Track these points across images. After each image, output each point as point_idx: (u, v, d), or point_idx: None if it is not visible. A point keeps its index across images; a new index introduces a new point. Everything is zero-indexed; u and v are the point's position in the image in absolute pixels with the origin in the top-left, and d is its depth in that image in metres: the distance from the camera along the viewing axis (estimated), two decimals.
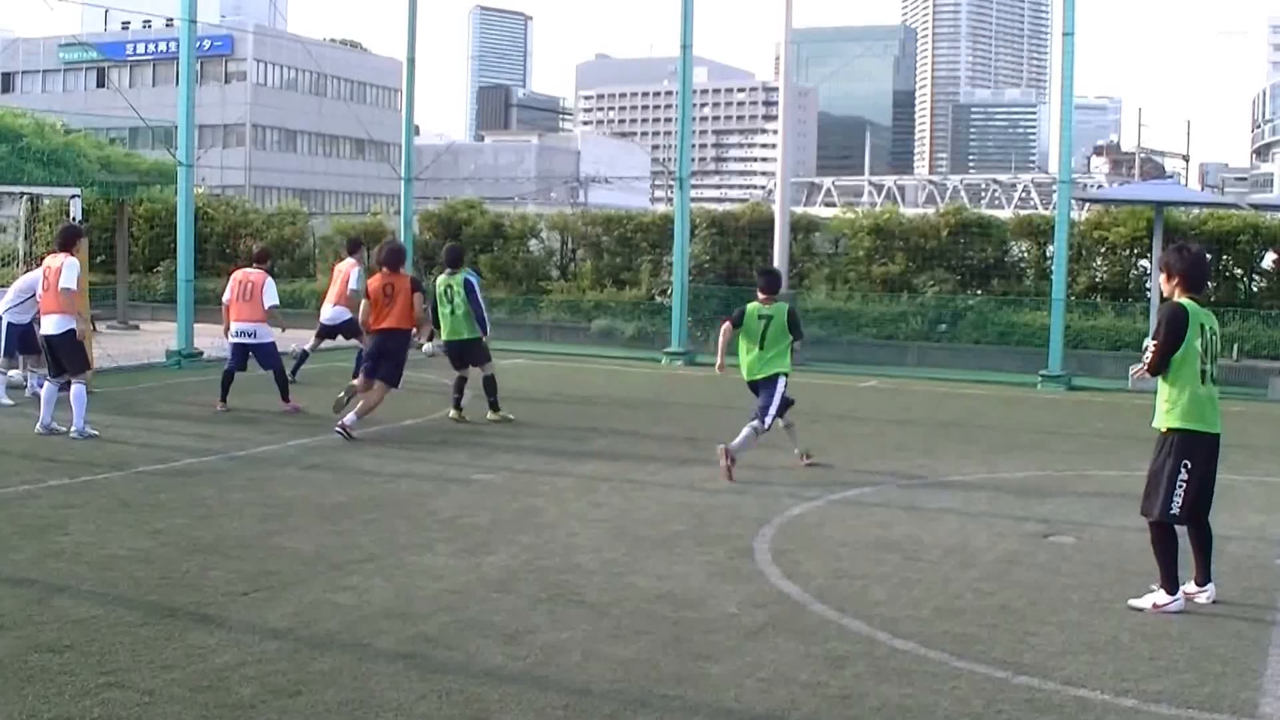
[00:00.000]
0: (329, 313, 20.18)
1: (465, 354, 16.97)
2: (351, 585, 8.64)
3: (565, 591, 8.61)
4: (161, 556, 9.29)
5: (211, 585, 8.55)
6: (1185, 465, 8.38)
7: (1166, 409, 8.51)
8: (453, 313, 16.81)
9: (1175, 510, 8.41)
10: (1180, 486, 8.38)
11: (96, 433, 14.42)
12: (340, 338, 20.46)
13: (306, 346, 20.55)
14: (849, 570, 9.36)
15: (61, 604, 8.05)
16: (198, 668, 6.91)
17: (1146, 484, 8.61)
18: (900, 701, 6.65)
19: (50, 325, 14.57)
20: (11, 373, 17.90)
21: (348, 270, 20.25)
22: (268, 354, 17.45)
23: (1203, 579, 8.72)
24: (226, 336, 17.55)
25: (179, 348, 22.98)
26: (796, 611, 8.30)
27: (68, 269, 14.42)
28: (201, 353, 23.16)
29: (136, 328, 30.38)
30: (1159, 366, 8.43)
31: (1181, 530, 8.61)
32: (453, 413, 16.96)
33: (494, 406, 16.92)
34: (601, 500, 11.85)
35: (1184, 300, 8.48)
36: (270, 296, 17.27)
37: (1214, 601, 8.61)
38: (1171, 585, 8.48)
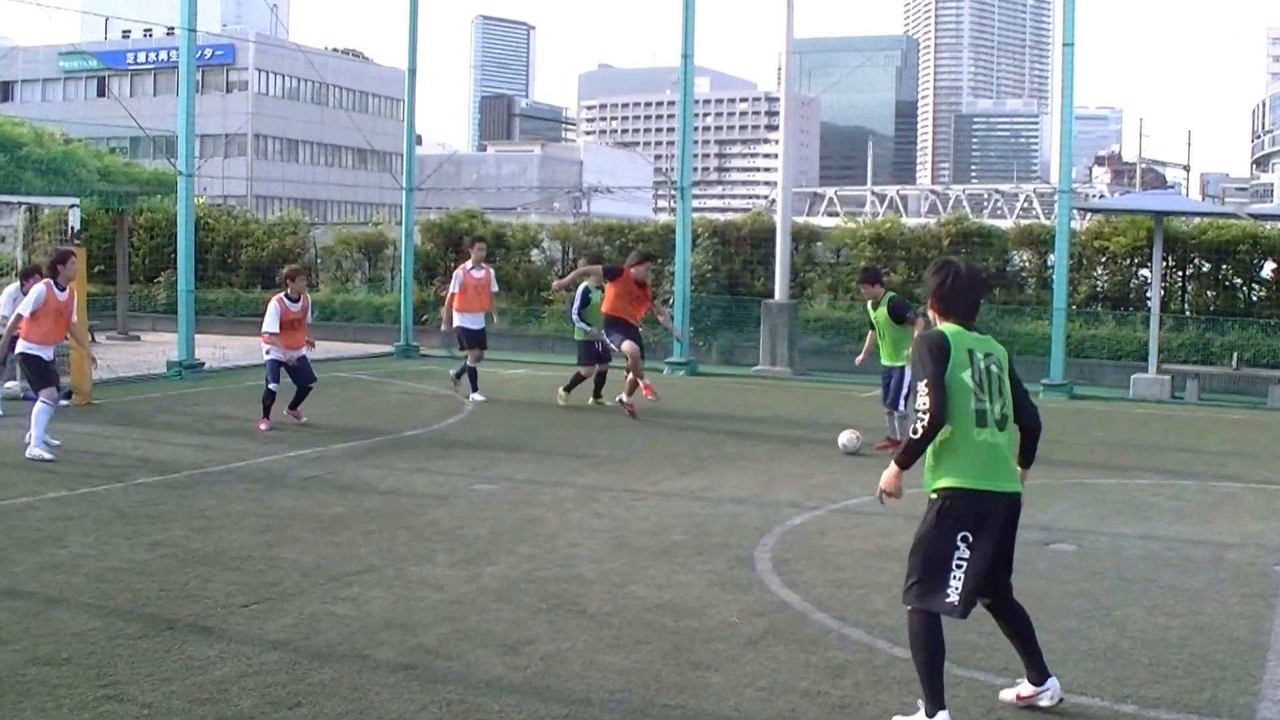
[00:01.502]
0: (474, 320, 20.25)
1: (607, 350, 19.24)
2: (351, 596, 8.63)
3: (565, 602, 8.61)
4: (160, 568, 9.28)
5: (211, 597, 8.55)
6: (963, 538, 6.40)
7: (932, 463, 6.66)
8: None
9: (952, 598, 6.33)
10: (956, 568, 6.35)
11: (50, 457, 13.65)
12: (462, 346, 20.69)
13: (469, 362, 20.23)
14: (849, 579, 9.35)
15: (59, 616, 8.05)
16: (197, 680, 6.90)
17: (908, 560, 6.62)
18: (900, 710, 6.64)
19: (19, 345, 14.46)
20: (9, 384, 17.90)
21: (487, 276, 20.58)
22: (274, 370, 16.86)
23: (1038, 674, 6.77)
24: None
25: (179, 358, 22.95)
26: (797, 620, 8.29)
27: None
28: (203, 364, 23.16)
29: (137, 338, 30.39)
30: (939, 416, 6.40)
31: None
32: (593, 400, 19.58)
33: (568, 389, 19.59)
34: (602, 510, 11.84)
35: (946, 327, 6.68)
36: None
37: (1060, 699, 6.76)
38: (934, 700, 6.33)
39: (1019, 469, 6.73)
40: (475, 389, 19.92)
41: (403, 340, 28.41)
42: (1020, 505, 6.60)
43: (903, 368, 15.77)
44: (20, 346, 14.24)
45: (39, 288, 14.34)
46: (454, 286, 20.24)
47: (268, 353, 16.73)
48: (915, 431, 6.48)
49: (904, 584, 6.52)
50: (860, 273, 18.43)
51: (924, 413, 6.41)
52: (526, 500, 12.18)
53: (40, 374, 14.16)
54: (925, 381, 6.43)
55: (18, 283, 17.87)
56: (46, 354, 14.28)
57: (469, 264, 20.42)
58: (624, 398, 18.35)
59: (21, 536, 10.12)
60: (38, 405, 13.85)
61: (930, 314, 6.85)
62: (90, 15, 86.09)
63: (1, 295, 18.67)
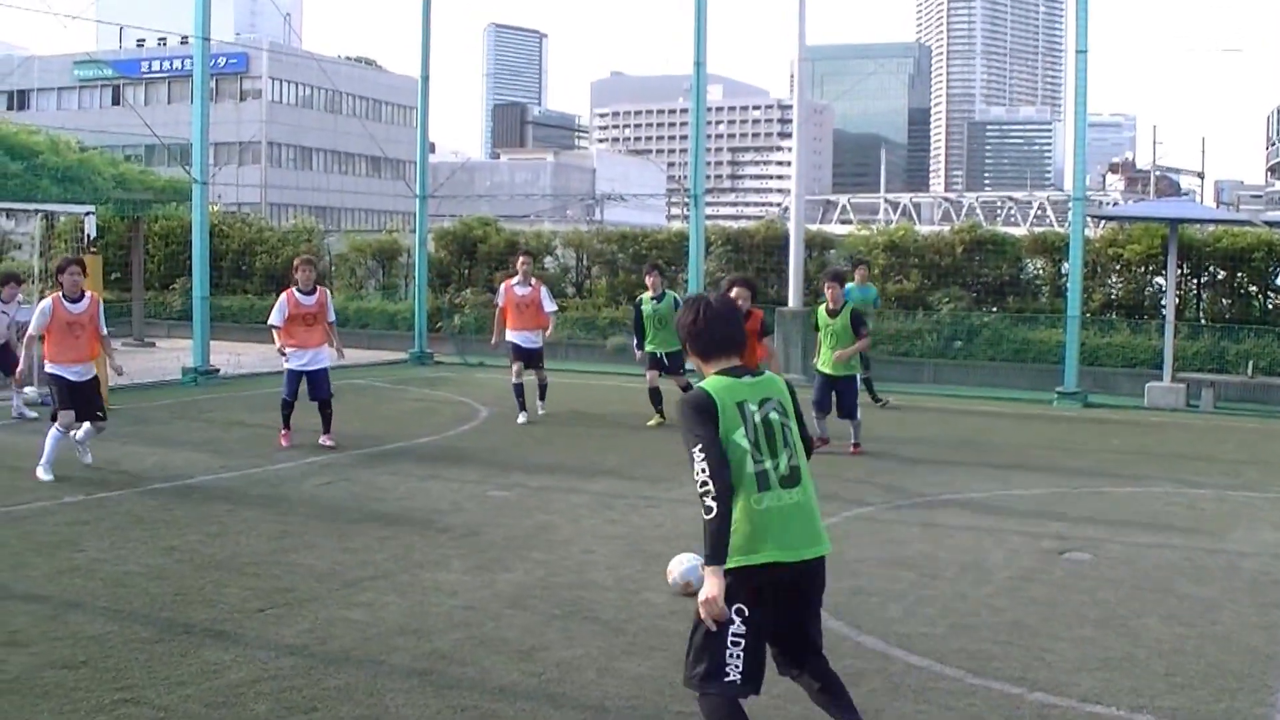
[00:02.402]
0: (525, 338, 18.97)
1: (674, 363, 18.58)
2: (366, 602, 8.65)
3: (579, 608, 8.61)
4: (176, 573, 9.31)
5: (226, 602, 8.57)
6: (738, 611, 5.49)
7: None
8: (663, 326, 18.28)
9: (732, 677, 5.53)
10: (733, 644, 5.52)
11: (49, 479, 12.90)
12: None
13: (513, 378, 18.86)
14: (864, 587, 9.34)
15: (76, 620, 8.08)
16: (212, 684, 6.92)
17: (688, 640, 5.73)
18: (915, 718, 6.64)
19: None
20: (27, 390, 17.93)
21: (535, 292, 19.07)
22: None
23: None
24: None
25: (194, 365, 23.03)
26: None
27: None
28: (218, 370, 23.22)
29: (152, 345, 30.45)
30: (726, 484, 5.44)
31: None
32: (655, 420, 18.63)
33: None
34: (616, 517, 11.84)
35: (710, 382, 5.68)
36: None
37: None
38: None
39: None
40: (522, 408, 18.56)
41: (416, 347, 28.44)
42: (823, 569, 5.71)
43: (853, 376, 16.71)
44: (46, 365, 13.75)
45: (45, 302, 13.83)
46: (499, 301, 19.19)
47: (286, 361, 15.87)
48: (709, 512, 5.37)
49: (684, 667, 5.70)
50: (829, 273, 18.07)
51: (707, 487, 5.39)
52: (540, 507, 12.19)
53: (58, 395, 13.56)
54: (699, 448, 5.47)
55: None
56: (68, 374, 13.51)
57: (515, 279, 19.10)
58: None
59: (39, 541, 10.14)
60: (51, 428, 13.39)
61: (694, 362, 5.91)
62: (104, 24, 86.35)
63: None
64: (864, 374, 19.04)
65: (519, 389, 18.66)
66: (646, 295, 18.84)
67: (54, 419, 13.48)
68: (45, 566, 9.37)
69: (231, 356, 25.04)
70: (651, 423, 18.51)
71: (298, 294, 15.76)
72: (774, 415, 5.70)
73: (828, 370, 16.49)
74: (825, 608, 8.62)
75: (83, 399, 13.61)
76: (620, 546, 10.55)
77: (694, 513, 11.75)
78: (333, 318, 16.21)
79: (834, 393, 16.41)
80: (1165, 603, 9.09)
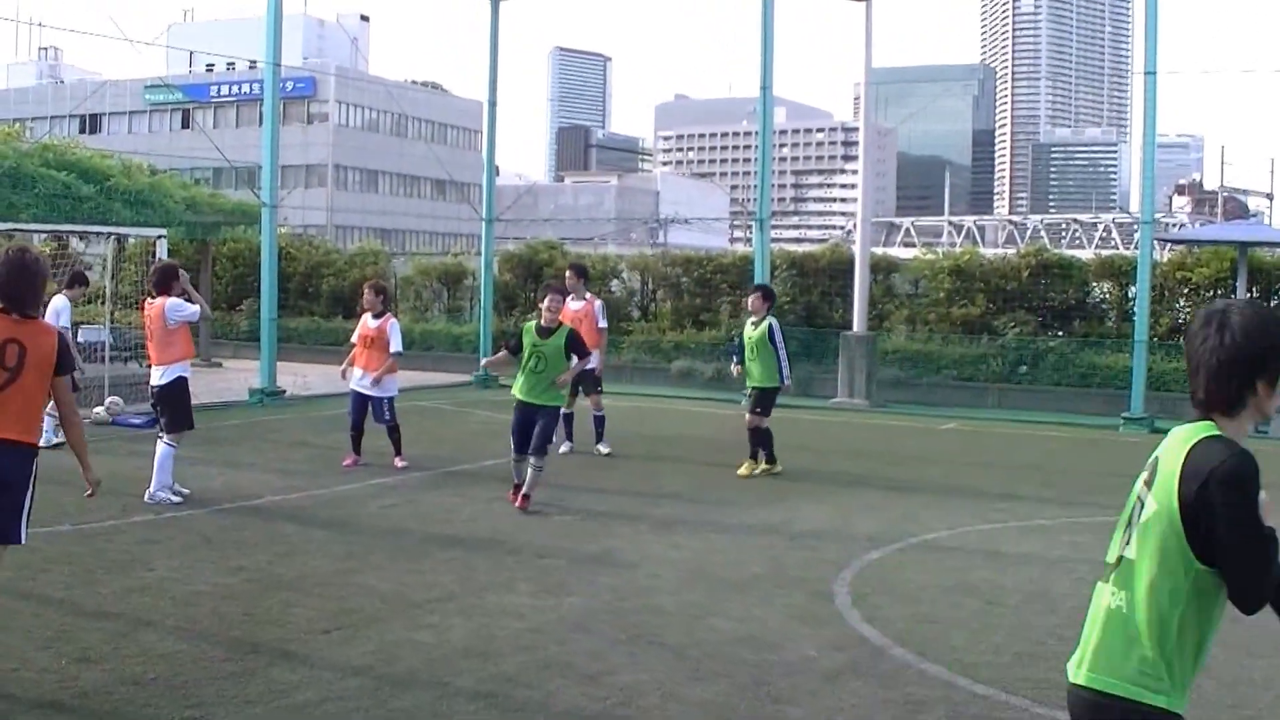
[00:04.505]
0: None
1: (763, 401, 16.24)
2: (431, 624, 8.70)
3: (644, 633, 8.63)
4: (244, 593, 9.40)
5: (293, 622, 8.64)
6: None
7: None
8: (757, 357, 16.18)
9: None
10: None
11: (177, 499, 13.01)
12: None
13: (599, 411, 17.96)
14: (928, 615, 9.31)
15: (146, 638, 8.16)
16: (280, 704, 6.98)
17: None
18: None
19: (155, 375, 13.49)
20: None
21: (588, 308, 17.85)
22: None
23: None
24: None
25: (261, 386, 23.23)
26: (876, 655, 8.27)
27: (169, 310, 13.30)
28: (284, 391, 23.41)
29: (219, 365, 30.74)
30: None
31: None
32: (762, 467, 16.21)
33: (770, 459, 16.27)
34: (680, 542, 11.85)
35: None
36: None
37: None
38: None
39: None
40: (569, 436, 17.76)
41: (481, 370, 28.54)
42: None
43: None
44: (175, 372, 13.35)
45: (174, 300, 13.36)
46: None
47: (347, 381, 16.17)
48: None
49: None
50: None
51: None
52: (605, 531, 12.21)
53: (182, 410, 13.47)
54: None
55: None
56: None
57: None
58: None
59: (110, 559, 10.26)
60: (161, 447, 13.23)
61: None
62: (175, 49, 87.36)
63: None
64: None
65: (568, 418, 17.21)
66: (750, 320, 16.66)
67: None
68: (116, 584, 9.48)
69: (298, 378, 25.23)
70: (743, 470, 16.18)
71: (367, 316, 16.06)
72: None
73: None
74: (888, 634, 8.65)
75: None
76: (685, 571, 10.55)
77: (761, 540, 11.77)
78: (394, 348, 15.92)
79: None
80: (1233, 632, 8.94)
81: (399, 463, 15.87)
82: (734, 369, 17.18)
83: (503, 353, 14.07)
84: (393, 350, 15.90)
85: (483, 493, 14.31)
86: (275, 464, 16.20)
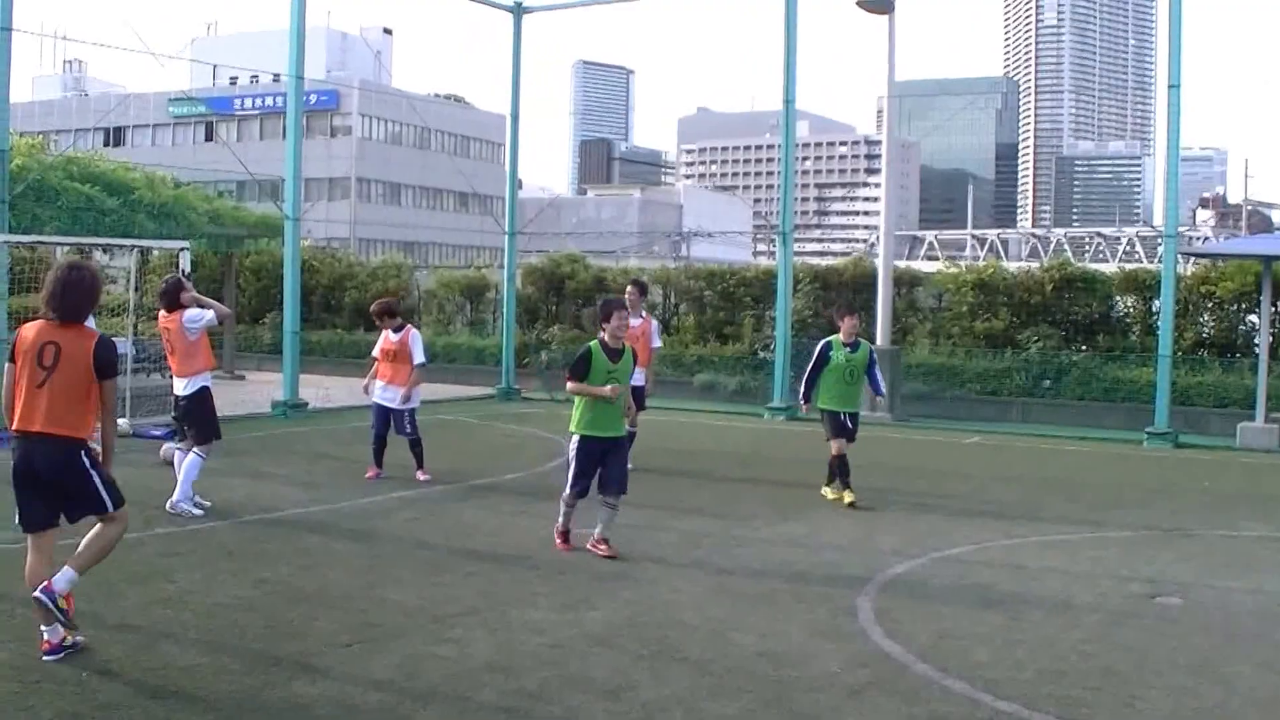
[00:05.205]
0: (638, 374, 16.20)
1: (855, 428, 15.40)
2: (453, 638, 8.68)
3: (666, 648, 8.60)
4: (265, 605, 9.40)
5: (315, 635, 8.64)
6: None
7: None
8: (851, 382, 15.24)
9: None
10: None
11: (199, 511, 13.07)
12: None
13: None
14: (951, 630, 9.26)
15: (168, 650, 8.17)
16: (301, 717, 6.97)
17: None
18: None
19: (179, 386, 13.64)
20: (121, 421, 18.14)
21: (646, 325, 17.62)
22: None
23: None
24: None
25: (284, 398, 23.29)
26: (898, 671, 8.22)
27: (187, 322, 13.42)
28: (306, 404, 23.46)
29: (243, 378, 30.84)
30: None
31: None
32: (847, 496, 15.02)
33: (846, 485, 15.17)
34: (703, 556, 11.81)
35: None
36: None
37: None
38: None
39: None
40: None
41: (504, 383, 28.58)
42: None
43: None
44: (197, 383, 13.54)
45: (194, 311, 13.51)
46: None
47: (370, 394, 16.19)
48: None
49: None
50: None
51: None
52: (627, 545, 12.17)
53: (208, 421, 13.64)
54: None
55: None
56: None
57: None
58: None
59: (131, 571, 10.27)
60: (189, 457, 13.33)
61: None
62: (199, 63, 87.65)
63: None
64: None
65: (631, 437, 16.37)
66: (837, 339, 15.23)
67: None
68: (137, 597, 9.49)
69: (320, 390, 25.28)
70: (832, 495, 15.30)
71: (388, 330, 16.09)
72: None
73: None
74: (911, 650, 8.60)
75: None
76: (707, 586, 10.52)
77: (784, 554, 11.74)
78: (417, 360, 15.91)
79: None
80: (1260, 650, 8.94)
81: (421, 476, 15.91)
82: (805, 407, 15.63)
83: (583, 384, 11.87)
84: (416, 362, 15.90)
85: (506, 506, 14.31)
86: (298, 476, 16.23)
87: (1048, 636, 9.15)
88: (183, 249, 21.09)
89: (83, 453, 8.01)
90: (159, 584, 9.94)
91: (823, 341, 15.35)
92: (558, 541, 11.92)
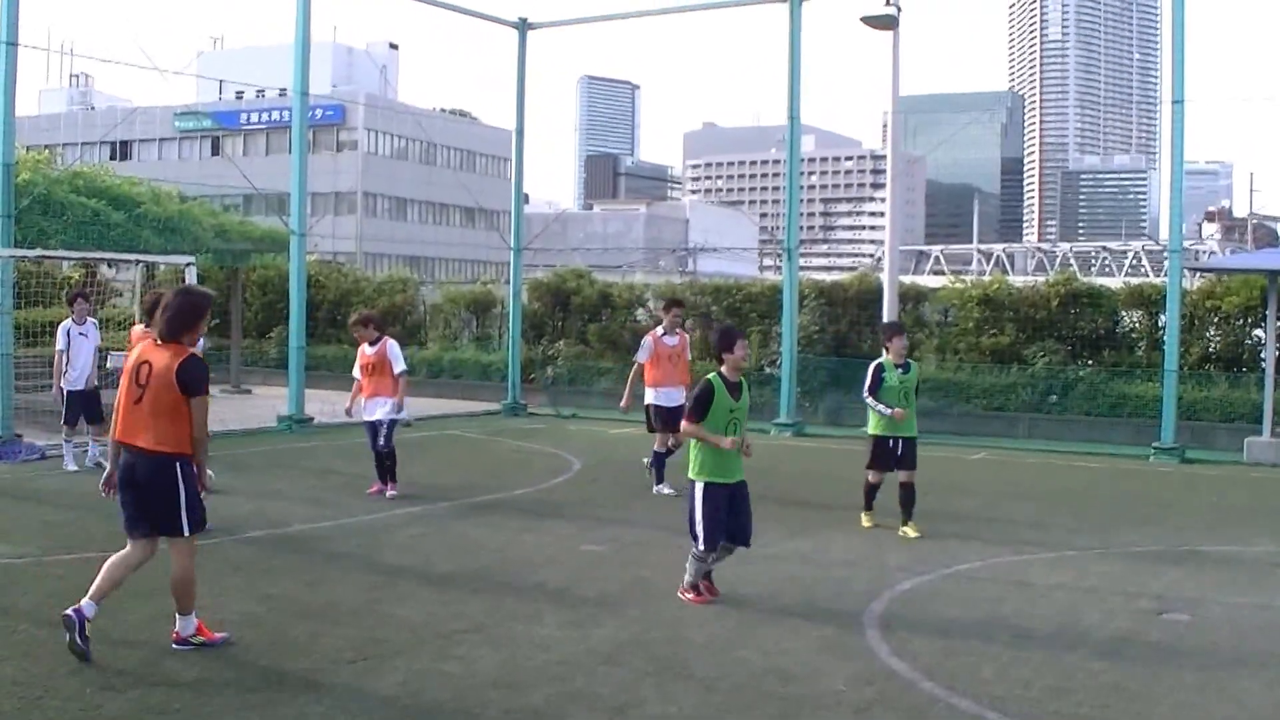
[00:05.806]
0: (669, 396, 16.87)
1: (910, 454, 14.48)
2: (459, 655, 8.66)
3: (673, 665, 8.57)
4: (271, 621, 9.39)
5: (320, 651, 8.62)
6: None
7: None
8: (905, 405, 14.30)
9: None
10: None
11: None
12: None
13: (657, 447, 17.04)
14: (958, 647, 9.23)
15: (172, 666, 8.16)
16: None
17: None
18: None
19: None
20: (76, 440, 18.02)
21: (682, 343, 17.50)
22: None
23: None
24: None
25: (290, 413, 23.30)
26: (905, 688, 8.20)
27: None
28: (312, 418, 23.47)
29: (249, 392, 30.86)
30: None
31: None
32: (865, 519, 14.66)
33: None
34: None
35: None
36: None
37: None
38: None
39: None
40: (661, 479, 16.67)
41: (510, 398, 28.57)
42: None
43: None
44: None
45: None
46: (642, 355, 17.16)
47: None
48: None
49: None
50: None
51: None
52: (635, 561, 12.16)
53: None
54: None
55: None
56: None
57: (660, 329, 17.44)
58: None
59: (135, 587, 10.21)
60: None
61: None
62: (205, 78, 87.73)
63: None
64: None
65: (661, 460, 16.77)
66: (888, 361, 14.28)
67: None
68: (142, 612, 9.47)
69: (326, 405, 25.27)
70: (867, 522, 14.65)
71: (364, 345, 16.26)
72: None
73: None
74: (917, 667, 8.58)
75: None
76: (714, 603, 10.49)
77: (791, 571, 11.72)
78: (398, 368, 15.97)
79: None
80: (1269, 666, 8.90)
81: (390, 492, 15.81)
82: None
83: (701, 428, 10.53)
84: (397, 370, 15.93)
85: (511, 522, 14.28)
86: (304, 492, 16.22)
87: (1054, 653, 9.12)
88: (189, 264, 21.11)
89: (178, 465, 8.51)
90: (163, 599, 9.88)
91: (874, 364, 14.41)
92: (689, 596, 10.63)
